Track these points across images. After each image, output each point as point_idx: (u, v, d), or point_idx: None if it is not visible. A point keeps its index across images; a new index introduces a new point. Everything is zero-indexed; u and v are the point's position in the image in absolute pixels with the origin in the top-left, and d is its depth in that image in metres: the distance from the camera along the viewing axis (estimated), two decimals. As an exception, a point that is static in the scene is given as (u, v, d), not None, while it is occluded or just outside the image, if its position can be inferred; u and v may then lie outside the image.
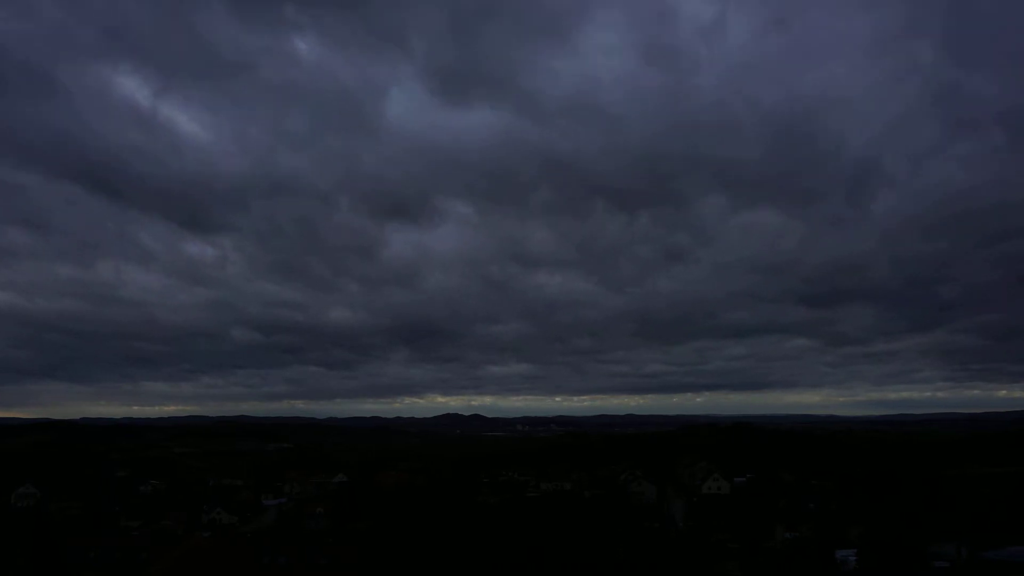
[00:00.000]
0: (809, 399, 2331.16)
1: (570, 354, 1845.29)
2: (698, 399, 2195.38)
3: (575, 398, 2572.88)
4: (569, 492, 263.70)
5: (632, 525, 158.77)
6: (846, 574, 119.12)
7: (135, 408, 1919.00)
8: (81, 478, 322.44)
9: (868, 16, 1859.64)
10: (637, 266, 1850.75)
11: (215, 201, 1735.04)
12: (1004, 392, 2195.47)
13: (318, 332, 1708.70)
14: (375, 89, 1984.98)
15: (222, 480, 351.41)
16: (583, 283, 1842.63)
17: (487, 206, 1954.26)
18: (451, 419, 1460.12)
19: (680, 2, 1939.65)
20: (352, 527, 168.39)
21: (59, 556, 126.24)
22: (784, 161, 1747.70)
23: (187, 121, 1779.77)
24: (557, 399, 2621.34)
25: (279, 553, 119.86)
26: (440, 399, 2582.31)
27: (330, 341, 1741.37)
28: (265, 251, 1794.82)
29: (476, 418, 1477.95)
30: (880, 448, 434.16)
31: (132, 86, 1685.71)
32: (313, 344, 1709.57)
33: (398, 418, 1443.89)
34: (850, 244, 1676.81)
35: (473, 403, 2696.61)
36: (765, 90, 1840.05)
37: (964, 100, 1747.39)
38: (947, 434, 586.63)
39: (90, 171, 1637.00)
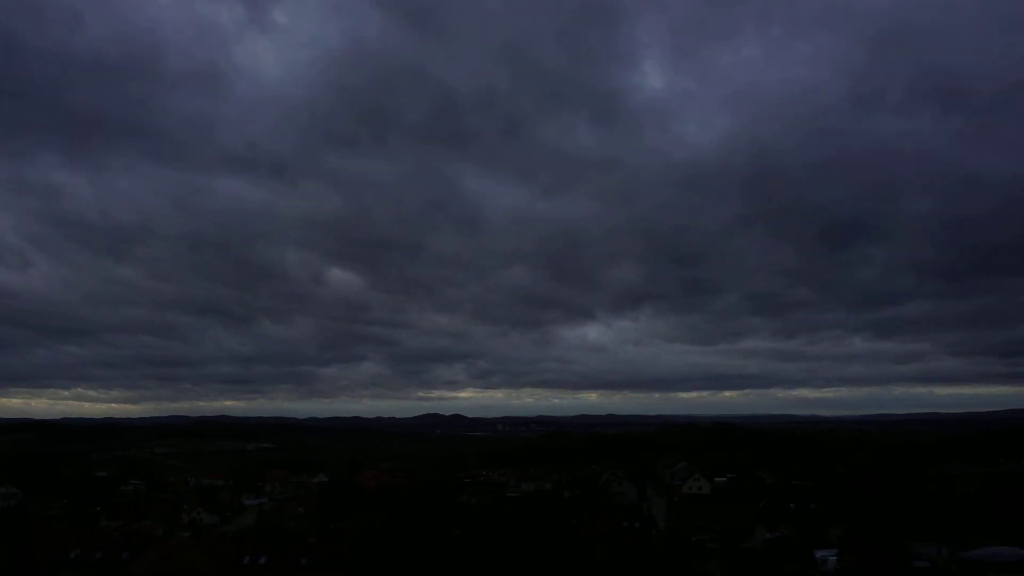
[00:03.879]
0: (792, 399, 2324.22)
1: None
2: (681, 398, 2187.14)
3: (552, 392, 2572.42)
4: (550, 492, 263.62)
5: (613, 525, 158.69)
6: (826, 574, 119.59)
7: (115, 407, 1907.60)
8: (62, 478, 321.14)
9: None
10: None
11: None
12: (986, 392, 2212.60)
13: (296, 333, 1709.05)
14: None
15: (203, 480, 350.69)
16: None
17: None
18: (432, 419, 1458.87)
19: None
20: (334, 527, 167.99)
21: (39, 557, 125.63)
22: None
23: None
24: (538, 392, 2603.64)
25: (260, 553, 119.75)
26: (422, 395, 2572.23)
27: (309, 340, 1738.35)
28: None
29: (457, 418, 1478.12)
30: (861, 448, 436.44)
31: None
32: (294, 344, 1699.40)
33: (378, 418, 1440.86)
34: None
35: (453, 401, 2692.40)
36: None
37: None
38: (928, 434, 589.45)
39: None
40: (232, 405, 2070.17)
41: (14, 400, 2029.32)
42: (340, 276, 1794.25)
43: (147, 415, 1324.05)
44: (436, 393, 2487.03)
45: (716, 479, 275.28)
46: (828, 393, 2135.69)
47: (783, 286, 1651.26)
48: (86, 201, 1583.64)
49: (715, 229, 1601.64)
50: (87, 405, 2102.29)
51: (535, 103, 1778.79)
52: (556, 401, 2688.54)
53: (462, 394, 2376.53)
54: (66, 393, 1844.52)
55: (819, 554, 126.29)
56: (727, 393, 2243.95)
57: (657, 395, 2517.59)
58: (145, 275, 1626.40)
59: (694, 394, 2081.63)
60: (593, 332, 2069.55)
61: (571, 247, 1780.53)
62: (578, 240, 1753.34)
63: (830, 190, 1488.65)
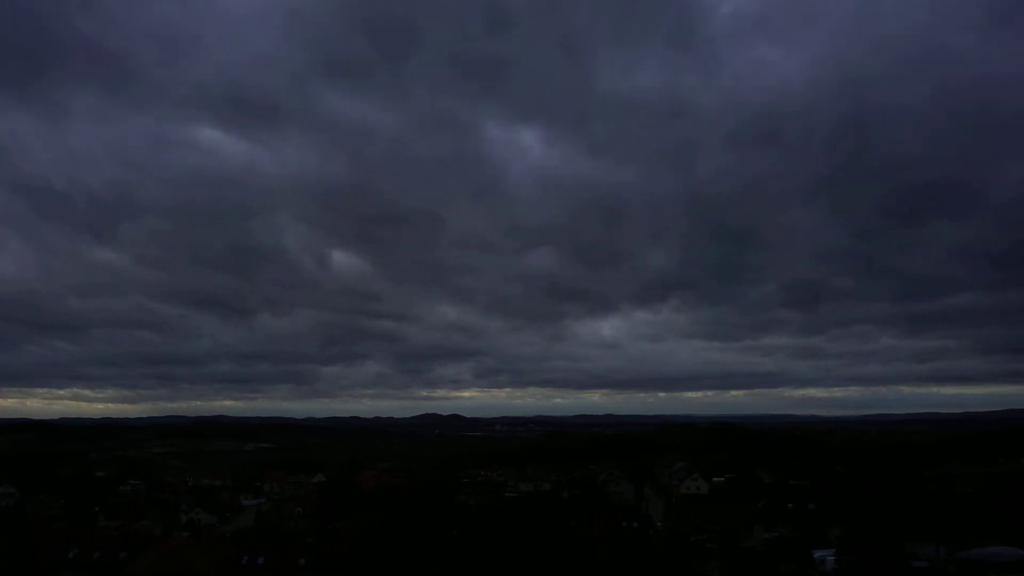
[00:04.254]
0: (789, 399, 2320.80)
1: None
2: (686, 397, 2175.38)
3: (554, 392, 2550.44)
4: (548, 492, 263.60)
5: (611, 525, 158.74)
6: (825, 574, 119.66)
7: (112, 407, 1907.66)
8: (60, 478, 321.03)
9: None
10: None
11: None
12: (984, 391, 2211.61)
13: (296, 328, 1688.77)
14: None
15: (201, 480, 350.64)
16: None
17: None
18: (430, 419, 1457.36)
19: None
20: (332, 527, 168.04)
21: (38, 556, 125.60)
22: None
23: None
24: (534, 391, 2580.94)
25: (259, 553, 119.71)
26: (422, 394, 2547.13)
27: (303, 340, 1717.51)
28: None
29: (455, 418, 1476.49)
30: (860, 448, 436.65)
31: None
32: (293, 341, 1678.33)
33: (377, 418, 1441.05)
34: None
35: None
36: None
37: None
38: (927, 434, 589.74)
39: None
40: (231, 405, 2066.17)
41: (9, 400, 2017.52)
42: (342, 261, 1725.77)
43: (145, 415, 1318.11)
44: (440, 392, 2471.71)
45: (714, 479, 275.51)
46: (837, 392, 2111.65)
47: (827, 272, 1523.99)
48: (46, 162, 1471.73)
49: (773, 198, 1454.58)
50: (84, 405, 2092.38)
51: (595, 18, 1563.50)
52: (557, 401, 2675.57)
53: (465, 393, 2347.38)
54: (62, 392, 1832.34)
55: (818, 554, 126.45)
56: (733, 392, 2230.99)
57: (662, 394, 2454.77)
58: (130, 260, 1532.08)
59: (699, 393, 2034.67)
60: (609, 327, 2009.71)
61: (607, 223, 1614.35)
62: (617, 214, 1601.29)
63: (921, 142, 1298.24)
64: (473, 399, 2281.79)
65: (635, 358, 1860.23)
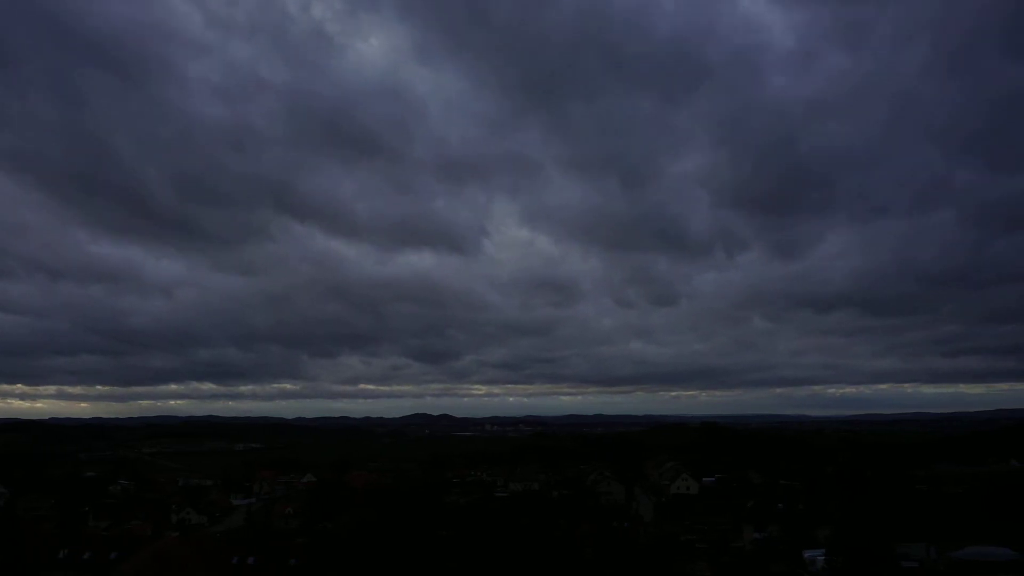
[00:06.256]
0: (780, 398, 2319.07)
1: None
2: (669, 396, 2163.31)
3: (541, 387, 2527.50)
4: (537, 492, 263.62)
5: (600, 525, 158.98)
6: (815, 574, 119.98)
7: (103, 407, 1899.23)
8: (50, 478, 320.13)
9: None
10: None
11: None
12: (974, 391, 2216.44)
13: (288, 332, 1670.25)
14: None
15: (191, 480, 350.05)
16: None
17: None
18: (420, 419, 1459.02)
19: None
20: (322, 527, 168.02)
21: (27, 556, 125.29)
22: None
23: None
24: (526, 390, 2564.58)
25: (249, 553, 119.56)
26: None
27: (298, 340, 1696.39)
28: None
29: (445, 418, 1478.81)
30: (850, 448, 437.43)
31: None
32: (281, 344, 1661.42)
33: (367, 418, 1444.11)
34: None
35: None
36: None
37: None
38: (917, 434, 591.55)
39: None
40: (221, 405, 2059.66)
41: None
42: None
43: (135, 415, 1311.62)
44: (443, 388, 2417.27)
45: (704, 479, 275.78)
46: (827, 392, 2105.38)
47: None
48: None
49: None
50: (72, 404, 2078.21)
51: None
52: (546, 400, 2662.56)
53: (471, 389, 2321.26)
54: (51, 390, 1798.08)
55: (808, 554, 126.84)
56: (724, 392, 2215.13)
57: (651, 393, 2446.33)
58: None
59: (684, 393, 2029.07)
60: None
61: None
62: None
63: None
64: (468, 399, 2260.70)
65: (625, 356, 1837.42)
